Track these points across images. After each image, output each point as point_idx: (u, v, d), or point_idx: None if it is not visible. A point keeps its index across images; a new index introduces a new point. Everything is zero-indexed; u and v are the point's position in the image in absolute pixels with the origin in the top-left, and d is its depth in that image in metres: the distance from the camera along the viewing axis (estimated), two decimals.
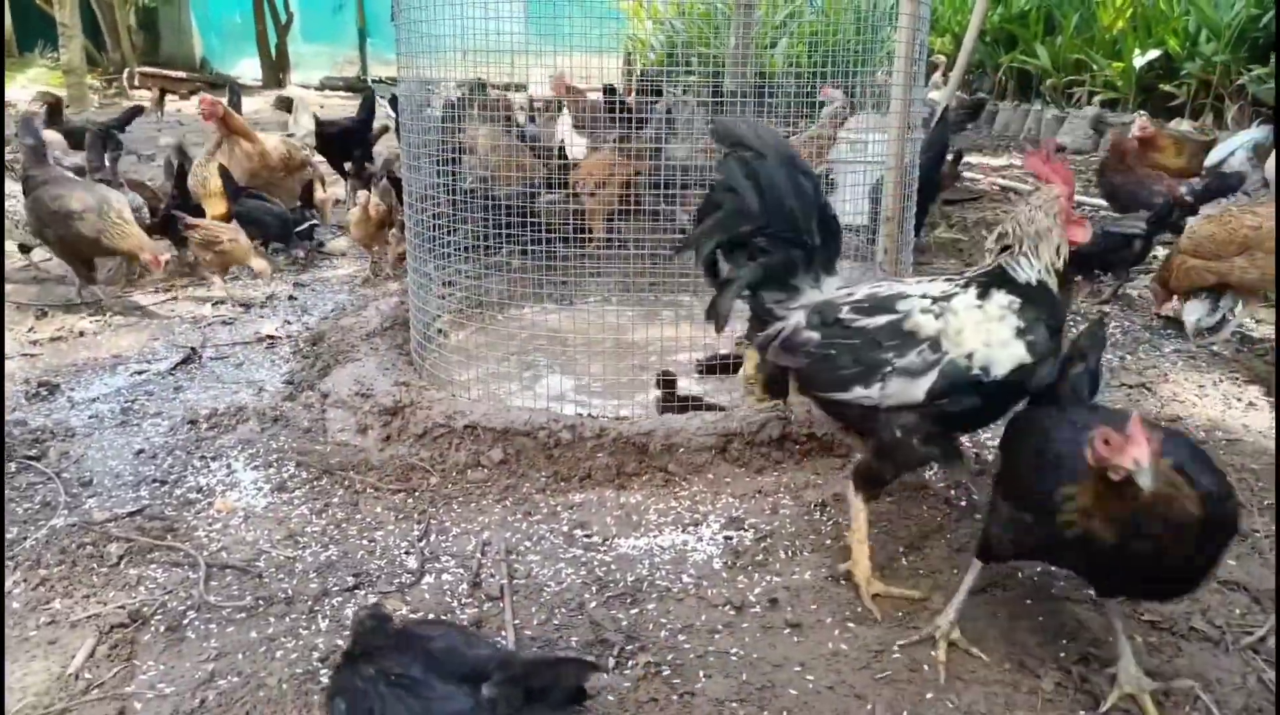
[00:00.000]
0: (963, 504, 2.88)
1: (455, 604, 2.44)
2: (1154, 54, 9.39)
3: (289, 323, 4.64)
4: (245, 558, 2.63)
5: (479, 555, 2.65)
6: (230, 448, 3.27)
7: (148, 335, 4.43)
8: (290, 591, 2.48)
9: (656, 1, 12.02)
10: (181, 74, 16.92)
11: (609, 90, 5.93)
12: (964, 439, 3.29)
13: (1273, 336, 4.22)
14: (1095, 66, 10.07)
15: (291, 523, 2.82)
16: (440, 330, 4.41)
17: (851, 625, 2.32)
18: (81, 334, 4.39)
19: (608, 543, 2.72)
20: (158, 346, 4.29)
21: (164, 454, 3.23)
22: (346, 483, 3.06)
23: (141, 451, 3.25)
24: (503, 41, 4.20)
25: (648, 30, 12.87)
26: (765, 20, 9.82)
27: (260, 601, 2.43)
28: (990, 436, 3.32)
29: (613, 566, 2.59)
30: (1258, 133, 7.45)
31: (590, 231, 5.06)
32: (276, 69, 18.15)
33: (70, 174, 5.09)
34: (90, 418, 3.51)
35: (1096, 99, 9.98)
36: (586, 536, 2.75)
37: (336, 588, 2.50)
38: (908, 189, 4.07)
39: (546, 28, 4.79)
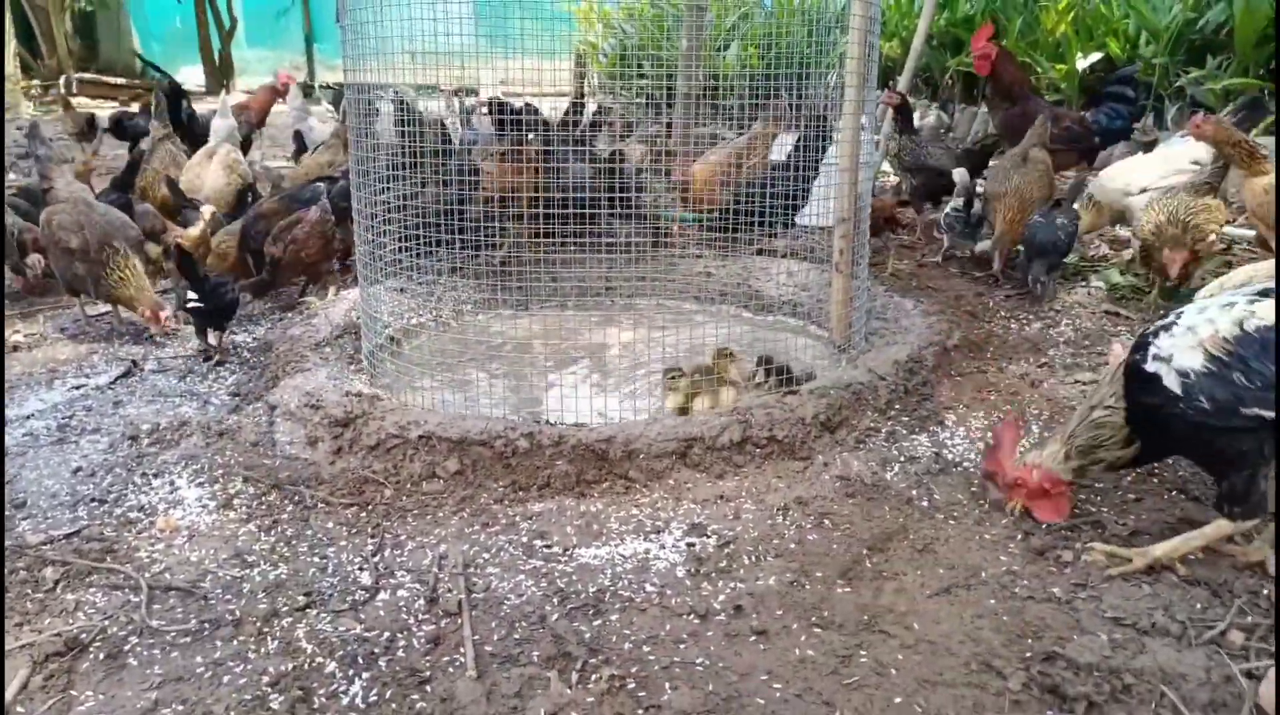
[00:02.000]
0: (924, 504, 2.86)
1: (412, 621, 2.36)
2: (1096, 56, 9.58)
3: (233, 333, 4.50)
4: (190, 579, 2.52)
5: (435, 569, 2.57)
6: (173, 464, 3.15)
7: (85, 348, 4.27)
8: (238, 613, 2.38)
9: (607, 5, 12.00)
10: (120, 80, 16.55)
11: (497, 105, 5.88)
12: (923, 440, 3.30)
13: None
14: (1039, 69, 10.24)
15: (238, 541, 2.72)
16: (392, 337, 4.32)
17: (818, 631, 2.29)
18: (15, 348, 4.22)
19: (568, 553, 2.66)
20: (96, 359, 4.14)
21: (103, 472, 3.10)
22: (296, 498, 2.96)
23: (79, 469, 3.11)
24: (450, 44, 4.13)
25: (598, 34, 12.83)
26: (717, 24, 9.85)
27: (206, 624, 2.33)
28: (949, 436, 3.32)
29: (574, 577, 2.53)
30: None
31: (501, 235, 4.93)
32: (220, 75, 17.78)
33: (90, 197, 4.79)
34: (24, 435, 3.36)
35: None
36: (546, 547, 2.69)
37: (286, 608, 2.40)
38: (861, 190, 4.08)
39: (496, 31, 4.73)
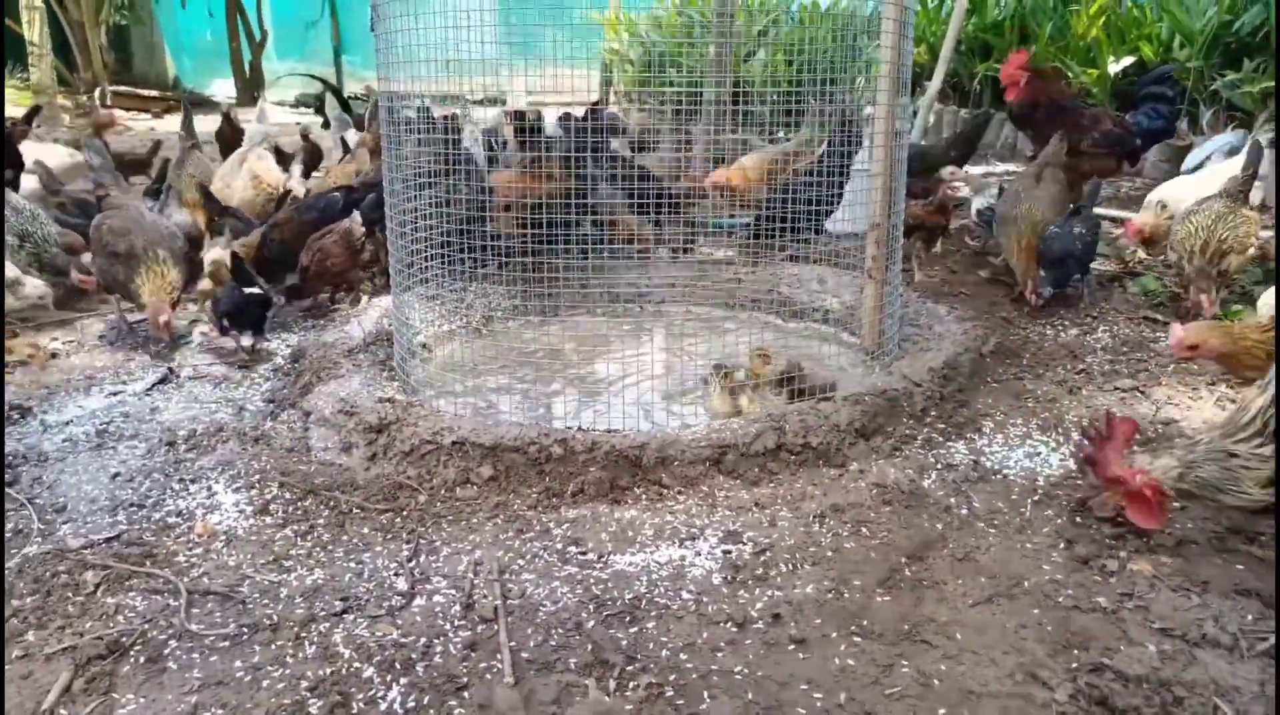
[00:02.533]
0: (963, 512, 2.82)
1: (448, 626, 2.36)
2: (1128, 60, 9.47)
3: (266, 340, 4.53)
4: (228, 583, 2.53)
5: (471, 575, 2.56)
6: (210, 469, 3.17)
7: (122, 355, 4.31)
8: (275, 617, 2.38)
9: (632, 14, 12.05)
10: (154, 93, 16.80)
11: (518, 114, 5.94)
12: (960, 447, 3.26)
13: None
14: (1071, 73, 10.14)
15: (275, 546, 2.73)
16: (424, 345, 4.34)
17: (858, 640, 2.26)
18: (54, 356, 4.27)
19: (603, 560, 2.64)
20: (133, 366, 4.18)
21: (141, 477, 3.13)
22: (332, 503, 2.97)
23: (118, 475, 3.14)
24: (475, 54, 4.16)
25: (624, 42, 12.87)
26: (744, 31, 9.85)
27: (244, 629, 2.34)
28: (987, 443, 3.28)
29: (609, 584, 2.52)
30: (1233, 137, 7.52)
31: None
32: (251, 87, 18.00)
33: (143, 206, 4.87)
34: (64, 441, 3.40)
35: None
36: (581, 554, 2.67)
37: (324, 612, 2.41)
38: (895, 196, 4.04)
39: (519, 41, 4.73)
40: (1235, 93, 8.17)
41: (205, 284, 4.50)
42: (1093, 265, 5.16)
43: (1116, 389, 3.70)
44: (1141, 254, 5.52)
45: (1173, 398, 3.60)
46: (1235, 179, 4.82)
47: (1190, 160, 8.11)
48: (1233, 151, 6.57)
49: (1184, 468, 2.51)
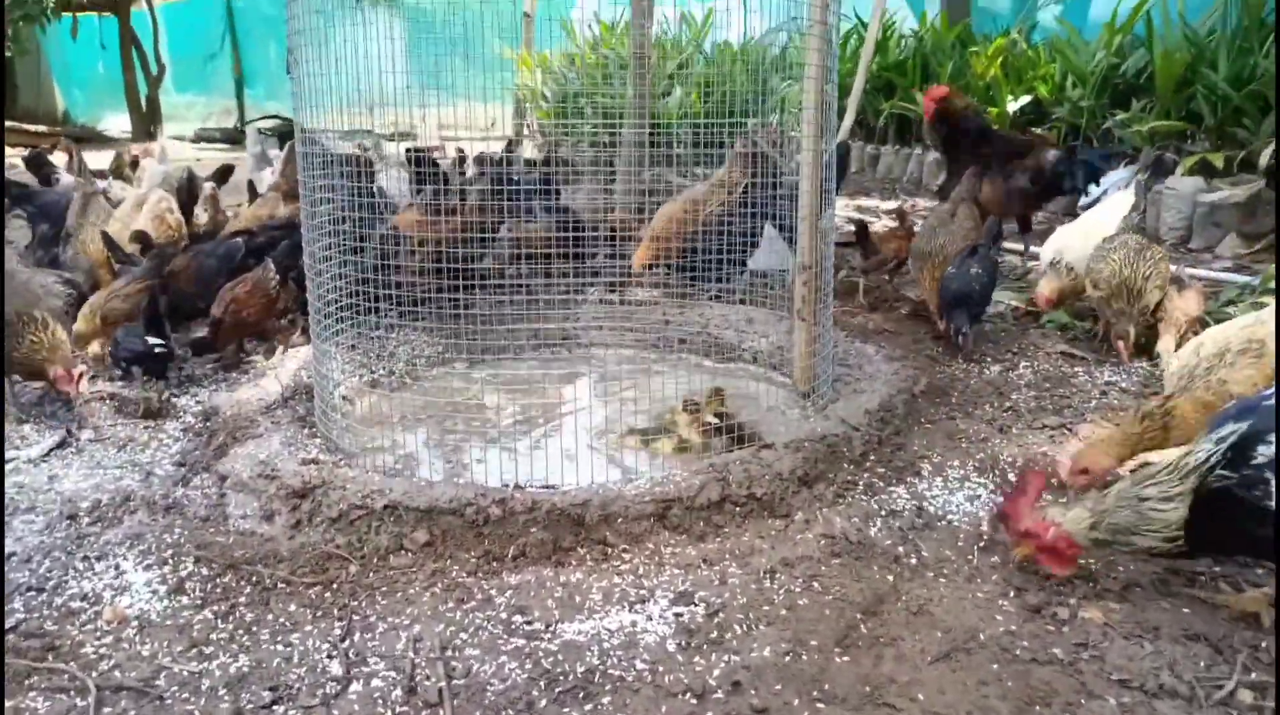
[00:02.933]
0: (912, 561, 2.81)
1: (389, 714, 2.20)
2: (1025, 99, 9.88)
3: (175, 396, 4.28)
4: (143, 676, 2.33)
5: (411, 654, 2.42)
6: (117, 545, 2.94)
7: (12, 418, 4.00)
8: (198, 714, 2.19)
9: (546, 51, 12.02)
10: (41, 128, 16.05)
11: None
12: (902, 492, 3.25)
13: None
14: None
15: (194, 630, 2.53)
16: (345, 397, 4.15)
17: (821, 706, 2.20)
18: None
19: (551, 629, 2.52)
20: (27, 429, 3.88)
21: (40, 556, 2.87)
22: (254, 578, 2.77)
23: (13, 555, 2.88)
24: (386, 89, 4.06)
25: (538, 80, 12.84)
26: (658, 70, 9.92)
27: None
28: (927, 487, 3.28)
29: (559, 656, 2.40)
30: (1125, 173, 7.87)
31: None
32: (147, 121, 17.37)
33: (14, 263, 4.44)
34: None
35: None
36: (527, 624, 2.55)
37: (251, 705, 2.23)
38: (823, 237, 4.06)
39: (429, 78, 4.63)
40: (1126, 131, 8.58)
41: (94, 347, 4.28)
42: (1004, 301, 5.30)
43: (1045, 426, 3.76)
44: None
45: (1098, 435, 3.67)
46: (1129, 218, 5.00)
47: (1086, 198, 8.48)
48: (1125, 186, 6.88)
49: (1095, 517, 2.53)
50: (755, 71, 6.22)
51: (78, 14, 17.82)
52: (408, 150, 6.01)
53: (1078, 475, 3.06)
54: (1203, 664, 2.27)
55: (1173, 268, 4.95)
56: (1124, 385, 4.20)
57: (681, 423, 3.66)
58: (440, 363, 4.75)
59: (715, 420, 3.56)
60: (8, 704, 2.22)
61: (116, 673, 2.34)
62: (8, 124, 15.05)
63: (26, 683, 2.30)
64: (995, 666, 2.31)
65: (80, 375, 3.93)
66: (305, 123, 3.64)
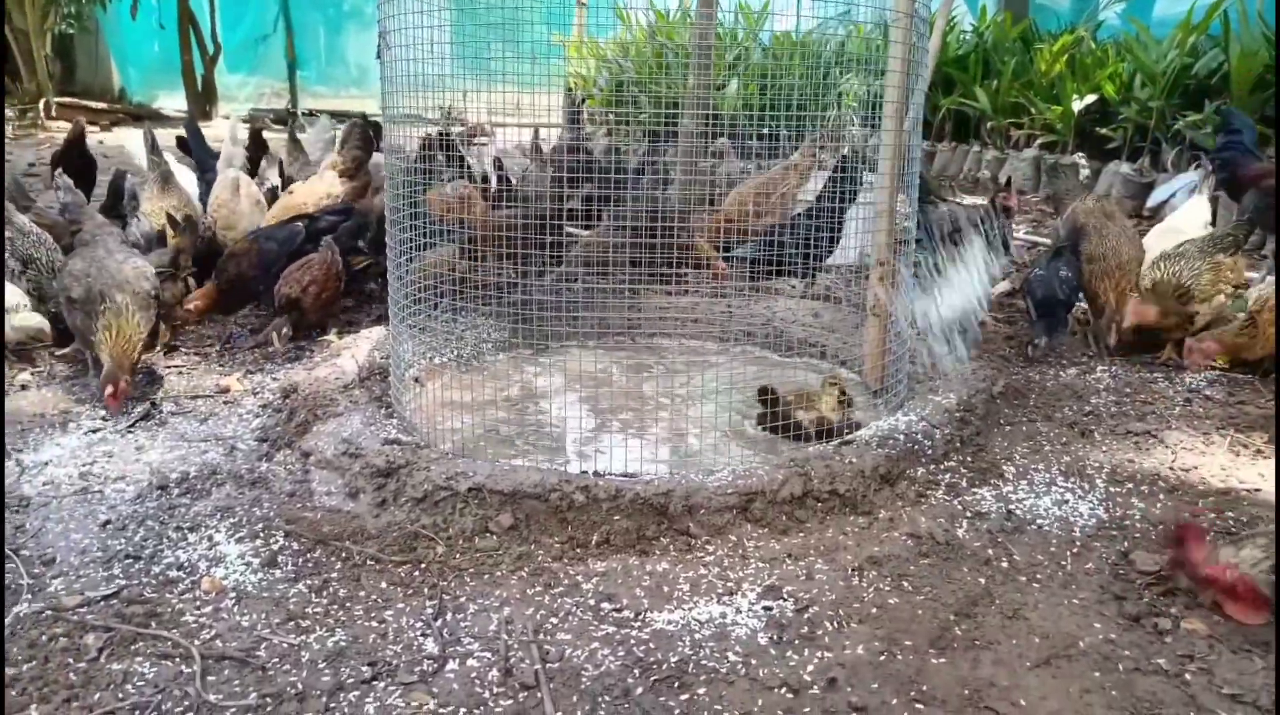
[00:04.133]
0: (1004, 565, 2.77)
1: (487, 694, 2.22)
2: (1091, 99, 9.69)
3: (250, 373, 4.33)
4: (243, 646, 2.36)
5: (503, 635, 2.43)
6: (208, 516, 2.99)
7: (96, 387, 4.07)
8: (300, 686, 2.22)
9: (598, 39, 12.00)
10: (100, 105, 16.31)
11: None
12: (986, 494, 3.21)
13: (1257, 381, 4.28)
14: (1034, 110, 10.35)
15: (290, 603, 2.56)
16: (416, 379, 4.18)
17: (920, 707, 2.18)
18: (24, 387, 4.02)
19: (640, 618, 2.53)
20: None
21: (134, 525, 2.93)
22: (344, 554, 2.80)
23: (108, 522, 2.94)
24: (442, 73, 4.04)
25: (590, 68, 12.83)
26: (716, 60, 9.88)
27: (268, 699, 2.17)
28: (1013, 490, 3.24)
29: (651, 645, 2.40)
30: (1195, 175, 7.71)
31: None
32: (203, 101, 17.58)
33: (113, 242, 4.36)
34: (45, 484, 3.17)
35: (1037, 141, 10.25)
36: (616, 611, 2.55)
37: (351, 680, 2.25)
38: (903, 236, 4.02)
39: (477, 64, 4.59)
40: (1197, 133, 8.39)
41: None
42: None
43: (1129, 433, 3.69)
44: None
45: (1184, 442, 3.61)
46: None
47: (1155, 198, 8.31)
48: (1194, 190, 6.73)
49: (1267, 554, 2.43)
50: (814, 64, 6.16)
51: None
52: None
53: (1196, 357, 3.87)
54: None
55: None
56: (1207, 392, 4.11)
57: (823, 399, 3.64)
58: (506, 347, 4.77)
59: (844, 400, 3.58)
60: (118, 667, 2.26)
61: (218, 642, 2.38)
62: (68, 100, 15.30)
63: (133, 648, 2.34)
64: (1097, 675, 2.27)
65: (121, 390, 3.72)
66: (394, 107, 3.65)
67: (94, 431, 3.62)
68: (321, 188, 6.13)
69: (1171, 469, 3.37)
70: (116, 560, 2.73)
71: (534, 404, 4.10)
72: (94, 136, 12.77)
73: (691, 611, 2.56)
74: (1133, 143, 9.21)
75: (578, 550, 2.85)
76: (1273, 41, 8.10)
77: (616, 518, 2.93)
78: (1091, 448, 3.57)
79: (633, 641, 2.42)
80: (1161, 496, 3.18)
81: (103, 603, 2.51)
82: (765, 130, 6.66)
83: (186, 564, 2.73)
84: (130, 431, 3.64)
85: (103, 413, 3.77)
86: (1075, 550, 2.84)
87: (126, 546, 2.80)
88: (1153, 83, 9.02)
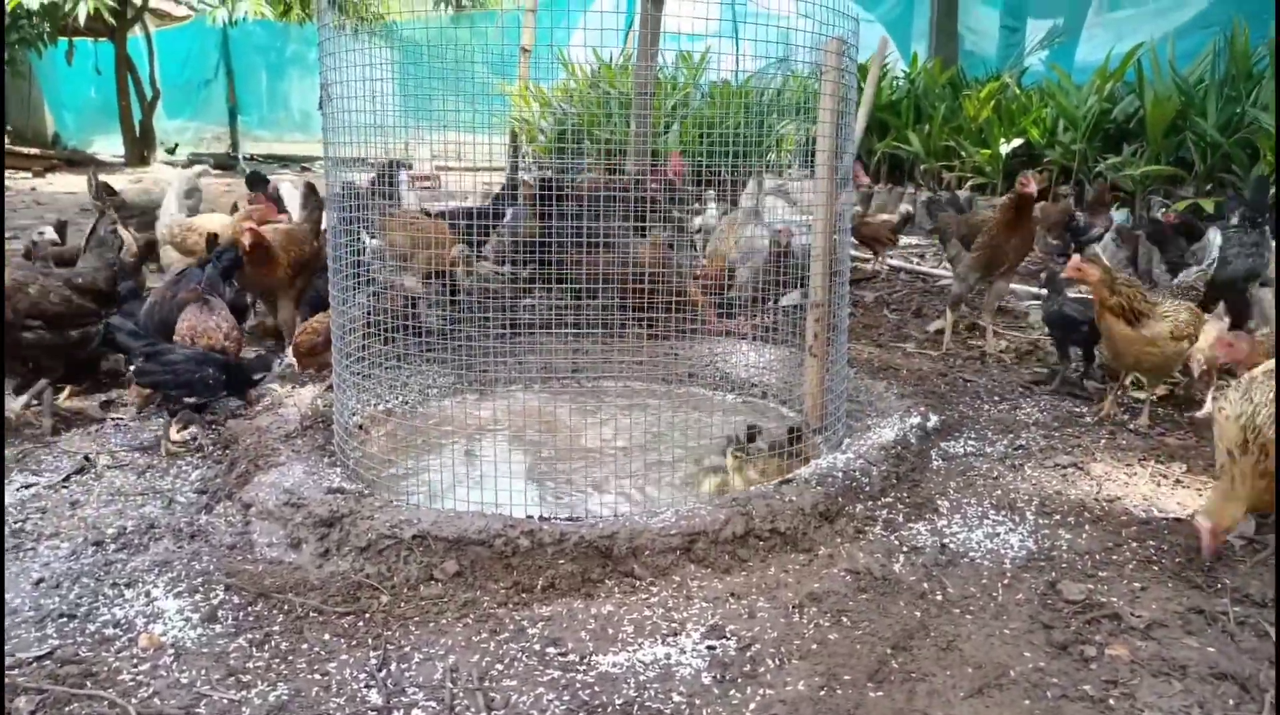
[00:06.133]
0: (938, 598, 2.85)
1: None
2: (1017, 142, 10.10)
3: (188, 425, 4.28)
4: (183, 704, 2.33)
5: (449, 684, 2.43)
6: (146, 571, 2.94)
7: (29, 442, 4.00)
8: None
9: (543, 85, 12.15)
10: (34, 150, 16.04)
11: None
12: (922, 529, 3.30)
13: (1174, 414, 4.46)
14: (964, 153, 10.74)
15: (230, 658, 2.53)
16: (360, 426, 4.17)
17: None
18: None
19: (585, 661, 2.55)
20: (42, 454, 3.88)
21: (69, 582, 2.87)
22: (285, 607, 2.78)
23: (41, 581, 2.87)
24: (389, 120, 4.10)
25: (535, 113, 12.96)
26: (656, 106, 10.08)
27: None
28: (946, 524, 3.33)
29: (597, 689, 2.43)
30: (1119, 216, 8.06)
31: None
32: (140, 146, 17.37)
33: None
34: None
35: (968, 183, 10.61)
36: (561, 655, 2.57)
37: None
38: (839, 275, 4.14)
39: (421, 107, 4.63)
40: (1118, 175, 8.78)
41: None
42: None
43: (1057, 466, 3.83)
44: None
45: (1109, 474, 3.75)
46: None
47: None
48: (1120, 229, 7.03)
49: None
50: (751, 111, 6.35)
51: (73, 39, 17.87)
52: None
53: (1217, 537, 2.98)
54: (1231, 702, 2.32)
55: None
56: (1131, 426, 4.28)
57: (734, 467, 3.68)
58: (451, 393, 4.79)
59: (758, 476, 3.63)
60: None
61: (156, 700, 2.34)
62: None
63: (67, 710, 2.29)
64: (1027, 703, 2.35)
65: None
66: (336, 155, 3.69)
67: (26, 487, 3.54)
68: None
69: (1097, 500, 3.50)
70: (50, 619, 2.67)
71: (479, 448, 4.12)
72: (26, 182, 12.56)
73: (636, 653, 2.59)
74: (1057, 184, 9.60)
75: (523, 595, 2.87)
76: (1183, 90, 8.54)
77: (561, 561, 2.95)
78: (1021, 481, 3.70)
79: (578, 685, 2.44)
80: (1087, 527, 3.30)
81: (35, 664, 2.46)
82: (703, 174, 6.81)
83: (123, 621, 2.68)
84: (64, 486, 3.57)
85: (34, 470, 3.70)
86: (1006, 581, 2.93)
87: (60, 605, 2.75)
88: (1074, 127, 9.45)
